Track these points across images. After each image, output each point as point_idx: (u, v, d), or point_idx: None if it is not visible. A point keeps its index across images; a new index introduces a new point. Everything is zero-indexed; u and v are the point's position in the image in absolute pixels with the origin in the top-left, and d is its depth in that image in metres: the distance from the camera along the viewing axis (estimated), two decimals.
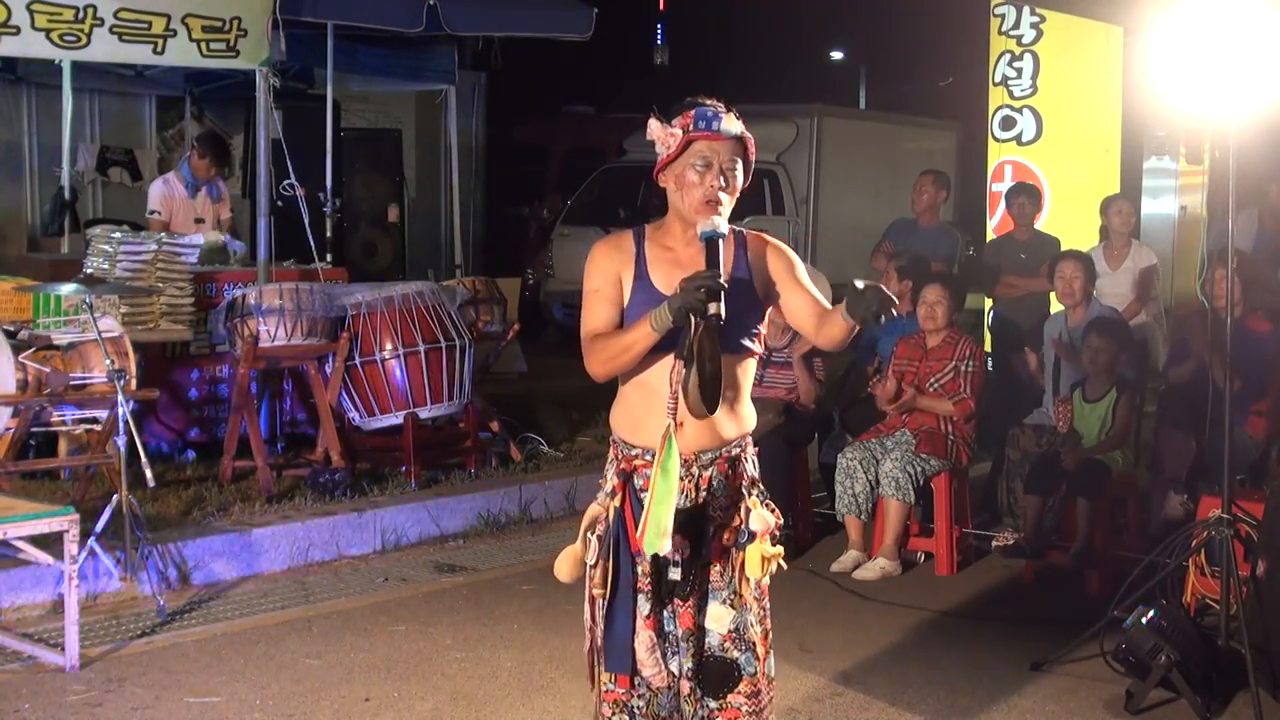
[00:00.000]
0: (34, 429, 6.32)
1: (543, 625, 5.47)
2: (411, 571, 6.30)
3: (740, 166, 3.05)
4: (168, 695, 4.64)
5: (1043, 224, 8.45)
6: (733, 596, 3.07)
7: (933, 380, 6.52)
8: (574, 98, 19.94)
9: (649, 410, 3.03)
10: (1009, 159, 8.83)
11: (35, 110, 11.36)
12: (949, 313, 6.58)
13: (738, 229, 3.11)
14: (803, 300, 3.10)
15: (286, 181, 8.11)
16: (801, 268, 3.15)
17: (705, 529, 3.05)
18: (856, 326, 2.93)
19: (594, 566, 3.06)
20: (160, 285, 7.07)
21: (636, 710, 3.08)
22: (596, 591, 3.06)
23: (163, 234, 7.57)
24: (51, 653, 4.90)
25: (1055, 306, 7.60)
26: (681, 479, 3.00)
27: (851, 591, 6.09)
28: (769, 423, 6.23)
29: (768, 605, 3.13)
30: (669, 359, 2.95)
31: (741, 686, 3.07)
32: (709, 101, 3.04)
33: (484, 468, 7.50)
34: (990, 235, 8.90)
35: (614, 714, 3.09)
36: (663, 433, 2.95)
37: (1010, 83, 8.75)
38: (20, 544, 4.97)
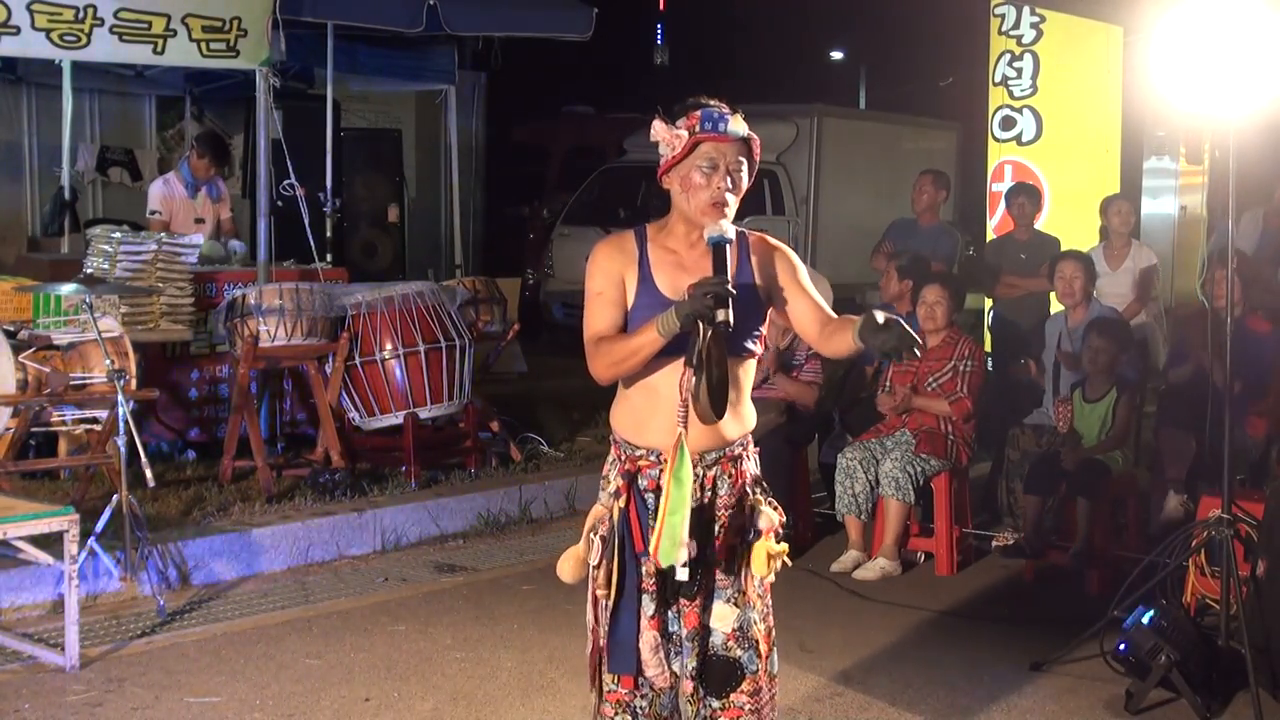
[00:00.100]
0: (34, 429, 6.32)
1: (543, 625, 5.47)
2: (411, 571, 6.30)
3: (746, 167, 3.04)
4: (168, 695, 4.64)
5: (1043, 224, 8.45)
6: (736, 595, 3.07)
7: (931, 380, 6.52)
8: (574, 98, 19.92)
9: (653, 413, 3.03)
10: (1009, 159, 8.83)
11: (35, 110, 11.36)
12: (948, 313, 6.58)
13: (740, 230, 3.11)
14: (806, 306, 3.09)
15: (286, 181, 8.11)
16: (804, 271, 3.15)
17: (711, 529, 3.05)
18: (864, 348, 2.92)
19: (597, 567, 3.05)
20: (160, 285, 7.07)
21: (639, 710, 3.09)
22: (600, 592, 3.05)
23: (163, 234, 7.57)
24: (51, 653, 4.90)
25: (1055, 306, 7.60)
26: None
27: (851, 591, 6.09)
28: (770, 422, 6.23)
29: (770, 603, 3.14)
30: (673, 362, 2.95)
31: (744, 685, 3.07)
32: (713, 102, 3.03)
33: (484, 468, 7.50)
34: (990, 235, 8.90)
35: (617, 714, 3.09)
36: (674, 441, 2.95)
37: (1010, 83, 8.75)
38: (20, 544, 4.97)
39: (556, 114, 19.29)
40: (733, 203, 3.01)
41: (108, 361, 5.58)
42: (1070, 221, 8.42)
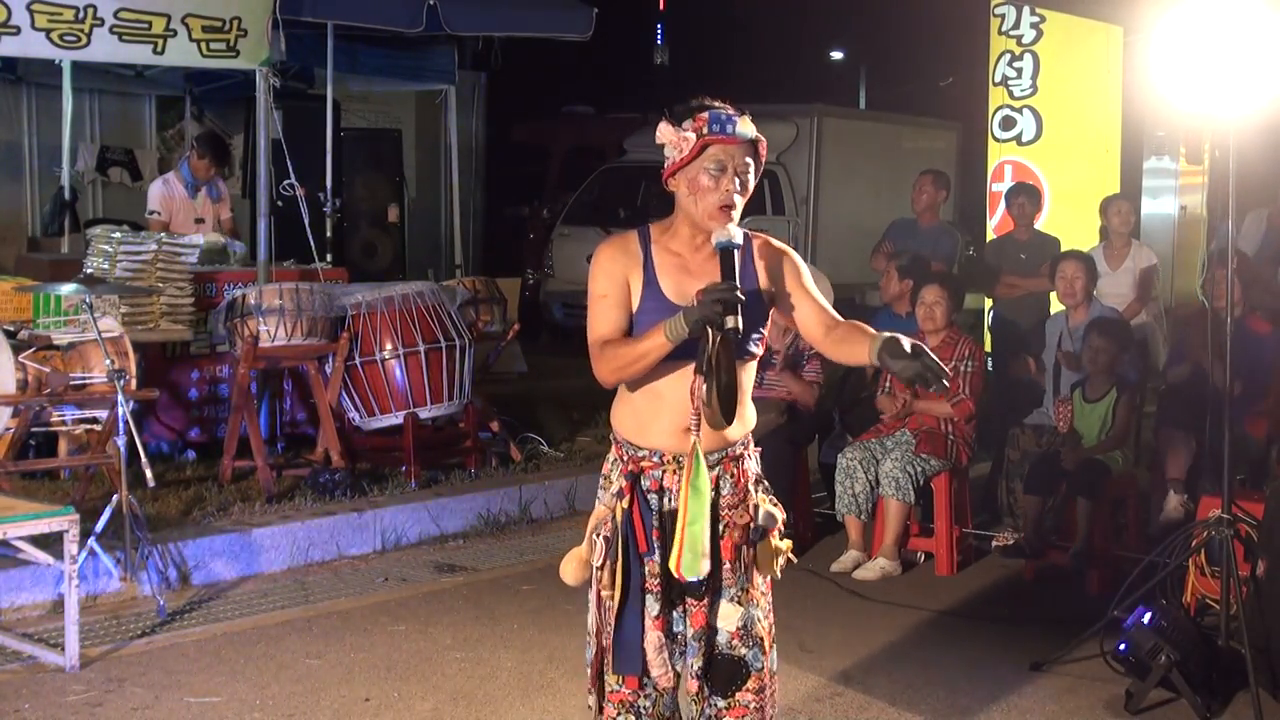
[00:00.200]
0: (34, 429, 6.32)
1: (543, 625, 5.47)
2: (411, 571, 6.30)
3: (753, 170, 3.02)
4: (168, 695, 4.64)
5: (1043, 224, 8.46)
6: (740, 593, 3.08)
7: None
8: (574, 98, 19.93)
9: (655, 414, 3.03)
10: (1009, 159, 8.83)
11: (35, 110, 11.36)
12: (947, 313, 6.58)
13: (745, 232, 3.10)
14: (810, 309, 3.09)
15: (286, 181, 8.11)
16: (808, 274, 3.14)
17: (716, 529, 3.05)
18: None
19: (600, 567, 3.05)
20: (160, 285, 7.07)
21: (643, 710, 3.08)
22: (605, 593, 3.05)
23: (163, 234, 7.57)
24: (51, 653, 4.90)
25: (1055, 306, 7.61)
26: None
27: (851, 591, 6.09)
28: (770, 422, 6.23)
29: (771, 599, 3.14)
30: (677, 364, 2.95)
31: (749, 683, 3.07)
32: (719, 104, 3.02)
33: (484, 468, 7.49)
34: (990, 235, 8.90)
35: (620, 714, 3.09)
36: (689, 450, 2.95)
37: (1010, 83, 8.75)
38: (20, 544, 4.97)
39: (556, 114, 19.30)
40: (740, 204, 3.01)
41: (108, 361, 5.58)
42: (1070, 221, 8.42)
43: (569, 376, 10.26)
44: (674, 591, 3.05)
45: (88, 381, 6.20)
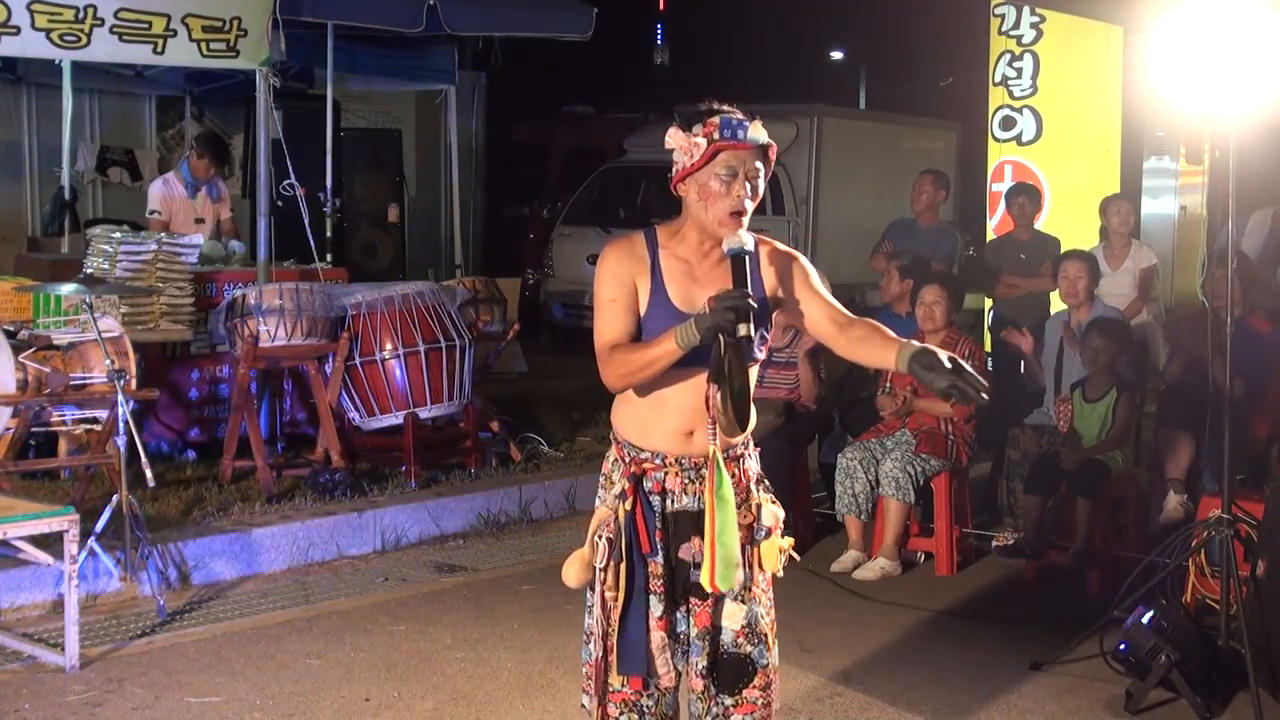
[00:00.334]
0: (34, 429, 6.32)
1: (543, 625, 5.47)
2: (411, 571, 6.30)
3: (763, 174, 3.00)
4: (168, 695, 4.64)
5: (1043, 224, 8.45)
6: (743, 592, 3.08)
7: None
8: (574, 98, 19.93)
9: (658, 418, 3.03)
10: (1009, 159, 8.83)
11: (35, 110, 11.37)
12: (947, 313, 6.58)
13: (754, 237, 3.08)
14: (820, 309, 3.07)
15: (286, 181, 8.11)
16: (815, 275, 3.12)
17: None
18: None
19: (604, 569, 3.04)
20: (160, 285, 7.07)
21: (646, 709, 3.08)
22: (609, 594, 3.04)
23: (163, 234, 7.57)
24: (51, 653, 4.90)
25: (1055, 306, 7.60)
26: (692, 480, 3.03)
27: (851, 591, 6.10)
28: (770, 423, 6.23)
29: (772, 596, 3.15)
30: (681, 369, 2.93)
31: (755, 680, 3.08)
32: (728, 108, 2.99)
33: (484, 468, 7.49)
34: (990, 235, 8.90)
35: (622, 713, 3.08)
36: (709, 460, 2.95)
37: (1010, 83, 8.75)
38: (20, 544, 4.97)
39: (556, 114, 19.29)
40: (750, 210, 2.99)
41: (108, 361, 5.58)
42: (1070, 221, 8.42)
43: (569, 376, 10.26)
44: (678, 592, 3.05)
45: (88, 381, 6.20)
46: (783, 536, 3.11)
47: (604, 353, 3.00)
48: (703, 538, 3.00)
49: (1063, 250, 7.68)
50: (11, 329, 6.55)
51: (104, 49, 6.91)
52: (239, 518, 6.29)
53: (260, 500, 6.54)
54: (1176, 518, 6.33)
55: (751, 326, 2.81)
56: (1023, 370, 7.54)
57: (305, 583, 6.05)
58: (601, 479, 3.16)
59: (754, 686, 3.07)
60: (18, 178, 11.51)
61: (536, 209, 16.59)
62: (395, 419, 7.22)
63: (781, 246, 3.15)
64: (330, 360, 7.15)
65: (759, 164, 2.98)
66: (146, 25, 6.89)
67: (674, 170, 3.02)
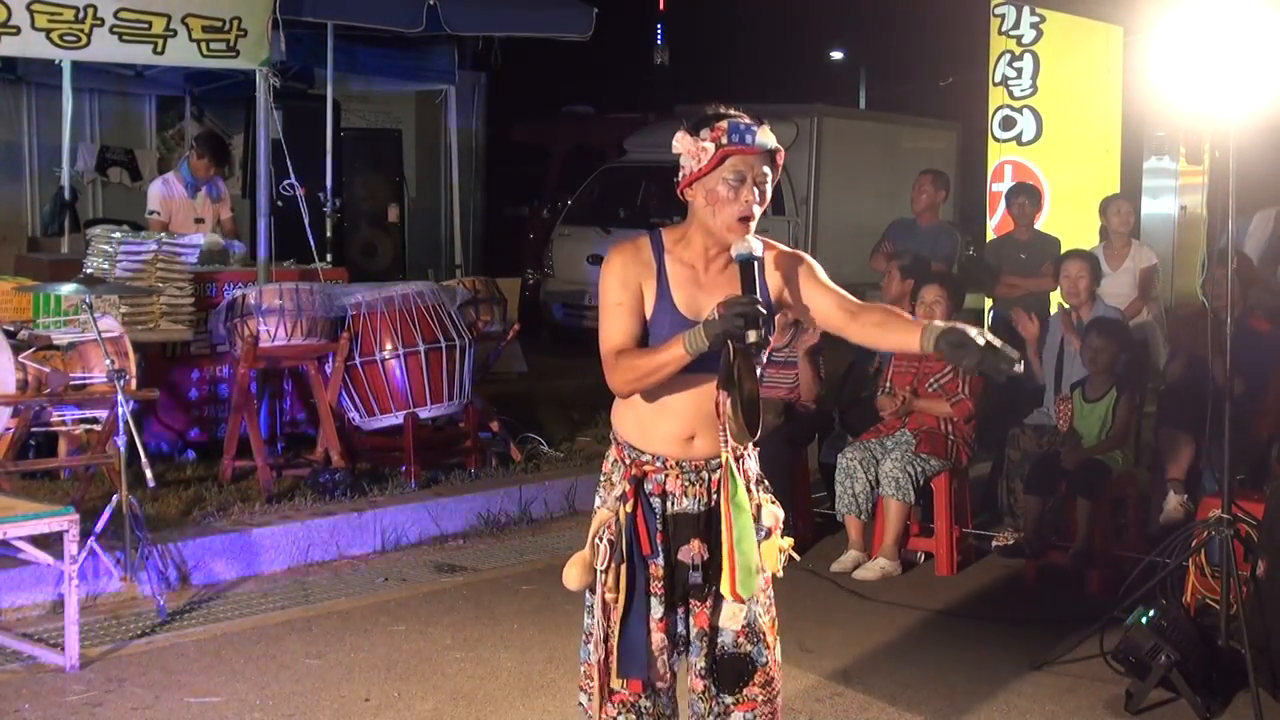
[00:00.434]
0: (34, 429, 6.32)
1: (543, 625, 5.47)
2: (411, 571, 6.30)
3: (770, 179, 2.99)
4: (168, 695, 4.64)
5: (1043, 224, 8.44)
6: None
7: (932, 381, 6.52)
8: (574, 98, 19.94)
9: (659, 421, 3.03)
10: (1009, 159, 8.82)
11: (35, 110, 11.37)
12: (947, 312, 6.56)
13: (762, 242, 3.07)
14: (830, 300, 3.06)
15: (286, 181, 8.11)
16: (820, 269, 3.11)
17: (719, 529, 3.05)
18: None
19: (605, 571, 3.04)
20: (160, 285, 7.07)
21: (644, 710, 3.09)
22: (610, 596, 3.04)
23: (162, 234, 7.57)
24: (51, 653, 4.90)
25: (1055, 306, 7.60)
26: (693, 483, 3.03)
27: (851, 591, 6.09)
28: (769, 423, 6.20)
29: (772, 594, 3.15)
30: (685, 374, 2.92)
31: (756, 678, 3.08)
32: (735, 112, 2.97)
33: (484, 468, 7.49)
34: (990, 235, 8.89)
35: (621, 714, 3.08)
36: (722, 467, 2.95)
37: (1010, 83, 8.74)
38: (20, 544, 4.97)
39: (556, 114, 19.30)
40: (758, 215, 2.97)
41: (108, 361, 5.58)
42: (1070, 221, 8.41)
43: (569, 376, 10.26)
44: (677, 593, 3.06)
45: (88, 381, 6.20)
46: (783, 536, 3.11)
47: (610, 358, 2.99)
48: (703, 540, 3.00)
49: (1063, 250, 7.68)
50: (11, 329, 6.55)
51: (104, 49, 6.91)
52: (239, 518, 6.29)
53: (260, 500, 6.54)
54: (1176, 518, 6.33)
55: (762, 333, 2.79)
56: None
57: (305, 583, 6.05)
58: (601, 479, 3.16)
59: (754, 684, 3.08)
60: (18, 178, 11.51)
61: (536, 209, 16.59)
62: (395, 419, 7.22)
63: (785, 248, 3.14)
64: (330, 360, 7.15)
65: (767, 169, 2.97)
66: (146, 25, 6.89)
67: (680, 175, 3.00)
